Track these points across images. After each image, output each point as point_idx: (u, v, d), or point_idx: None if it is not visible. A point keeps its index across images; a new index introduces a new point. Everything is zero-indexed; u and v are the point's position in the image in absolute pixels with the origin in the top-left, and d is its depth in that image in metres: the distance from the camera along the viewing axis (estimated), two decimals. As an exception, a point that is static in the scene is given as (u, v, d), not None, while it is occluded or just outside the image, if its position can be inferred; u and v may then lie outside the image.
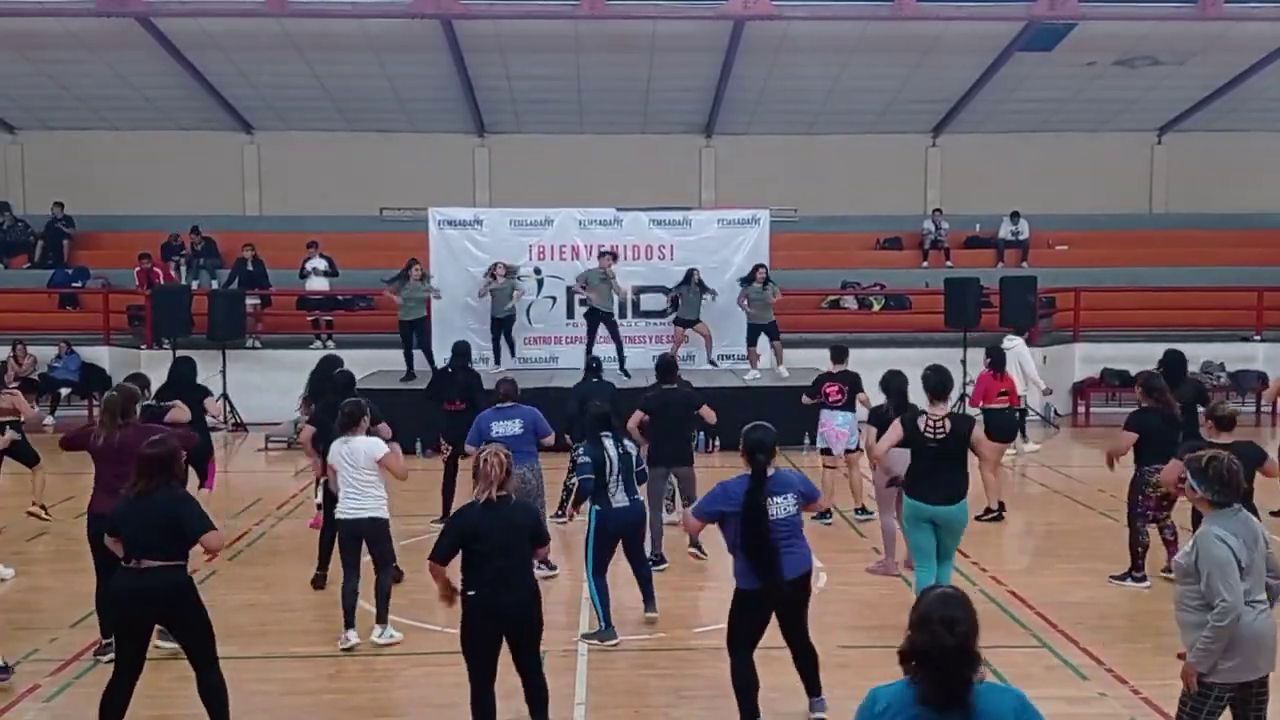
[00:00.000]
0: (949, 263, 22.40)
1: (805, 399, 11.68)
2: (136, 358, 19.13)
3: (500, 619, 5.82)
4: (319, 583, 9.18)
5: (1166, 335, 18.80)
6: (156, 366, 17.86)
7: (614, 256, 17.39)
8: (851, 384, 11.48)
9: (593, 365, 12.23)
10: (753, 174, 23.06)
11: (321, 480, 9.41)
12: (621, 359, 16.87)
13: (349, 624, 7.80)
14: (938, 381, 7.71)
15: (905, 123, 23.62)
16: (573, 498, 9.76)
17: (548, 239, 18.66)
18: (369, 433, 7.95)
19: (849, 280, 22.01)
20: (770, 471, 6.16)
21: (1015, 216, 22.87)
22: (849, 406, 11.46)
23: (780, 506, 6.17)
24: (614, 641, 7.81)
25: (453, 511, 6.05)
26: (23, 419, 11.43)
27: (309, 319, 20.03)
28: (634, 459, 8.15)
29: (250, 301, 19.72)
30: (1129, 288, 21.07)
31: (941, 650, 3.37)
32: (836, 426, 11.44)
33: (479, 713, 5.93)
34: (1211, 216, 23.90)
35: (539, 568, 9.18)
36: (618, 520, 7.98)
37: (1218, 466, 5.07)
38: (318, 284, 20.08)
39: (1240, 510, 5.10)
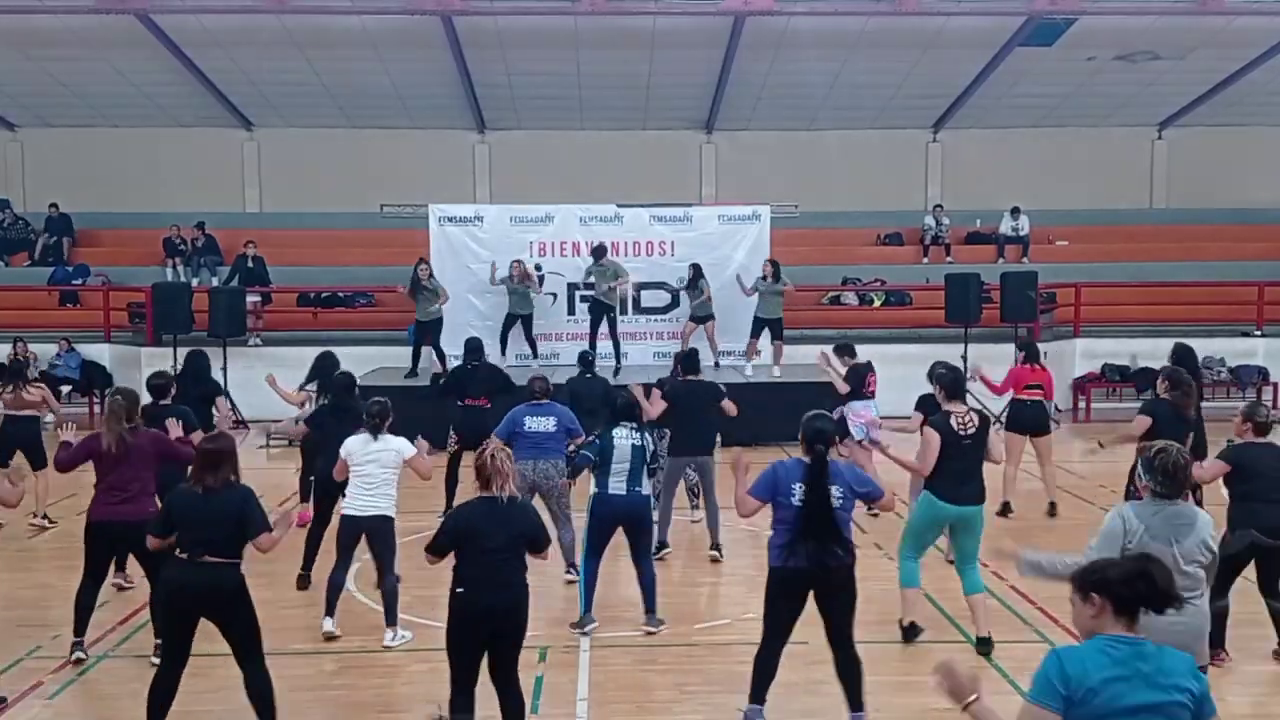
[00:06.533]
0: (949, 258, 22.38)
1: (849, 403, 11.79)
2: (137, 355, 19.14)
3: (487, 619, 5.73)
4: (304, 584, 9.15)
5: (1167, 330, 18.82)
6: (157, 365, 17.86)
7: (602, 249, 17.27)
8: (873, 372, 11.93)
9: (587, 360, 12.23)
10: (753, 170, 23.05)
11: (309, 477, 9.33)
12: (618, 361, 16.83)
13: (329, 612, 7.87)
14: (953, 380, 7.74)
15: (906, 118, 23.60)
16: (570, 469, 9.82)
17: (548, 235, 18.67)
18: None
19: (850, 276, 22.01)
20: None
21: (1016, 212, 22.86)
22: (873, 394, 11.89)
23: (833, 497, 6.14)
24: (592, 625, 7.95)
25: (453, 508, 5.99)
26: (48, 417, 11.35)
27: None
28: (648, 453, 8.18)
29: (251, 299, 19.72)
30: (1129, 283, 21.08)
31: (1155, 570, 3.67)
32: (873, 415, 11.65)
33: (457, 713, 5.82)
34: (1212, 211, 23.88)
35: (568, 571, 9.15)
36: (612, 507, 8.06)
37: (1164, 459, 5.12)
38: None
39: (1176, 505, 5.12)
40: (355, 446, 7.91)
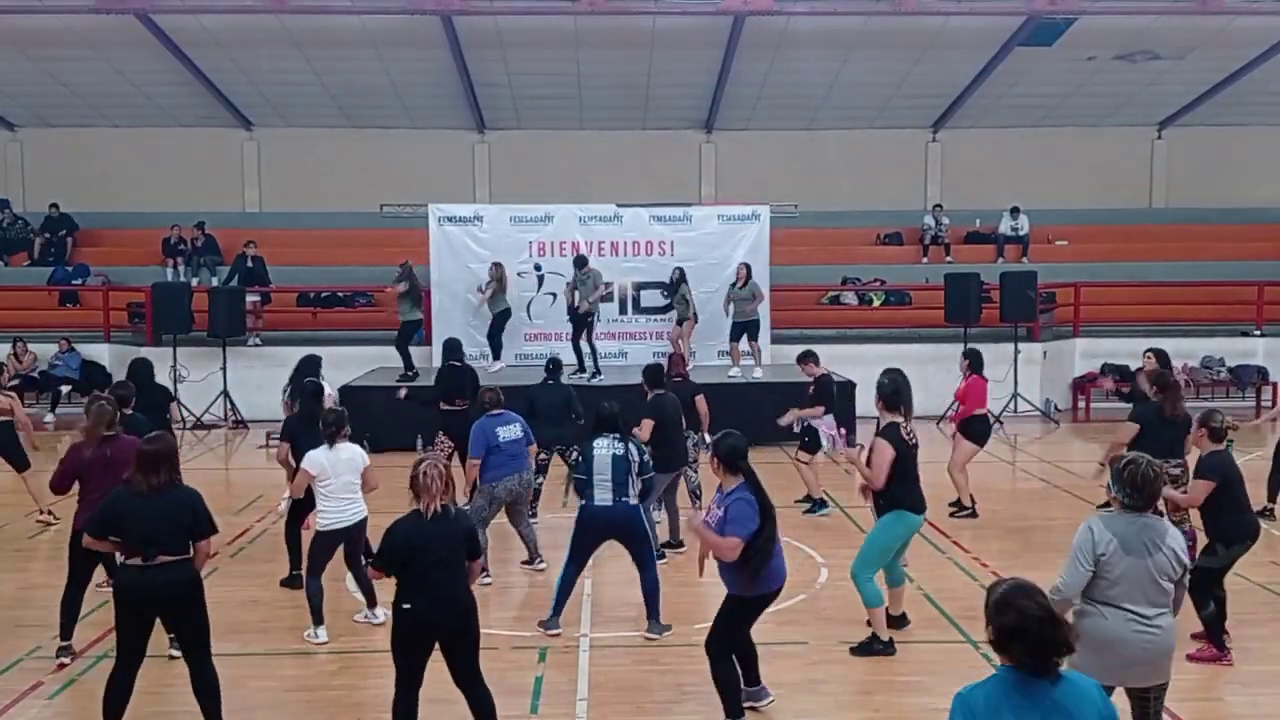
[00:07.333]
0: (949, 258, 22.39)
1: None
2: (137, 355, 19.11)
3: (434, 632, 5.72)
4: (296, 583, 9.06)
5: (1167, 330, 18.85)
6: (158, 364, 17.87)
7: (583, 260, 17.03)
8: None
9: (551, 366, 11.99)
10: (753, 169, 23.08)
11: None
12: (596, 366, 16.76)
13: (320, 621, 7.87)
14: (892, 391, 7.48)
15: (905, 118, 23.61)
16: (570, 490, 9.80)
17: (548, 235, 18.70)
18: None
19: (849, 276, 22.02)
20: None
21: (1015, 212, 22.88)
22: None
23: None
24: (554, 632, 7.91)
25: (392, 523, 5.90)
26: (17, 420, 11.37)
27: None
28: (630, 462, 8.09)
29: (250, 299, 19.73)
30: (1129, 283, 21.09)
31: (1032, 620, 3.48)
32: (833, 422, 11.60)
33: (398, 717, 5.76)
34: (1211, 211, 23.89)
35: (537, 561, 9.54)
36: (598, 518, 8.01)
37: (1133, 471, 4.98)
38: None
39: (1146, 517, 4.99)
40: (323, 459, 7.84)
